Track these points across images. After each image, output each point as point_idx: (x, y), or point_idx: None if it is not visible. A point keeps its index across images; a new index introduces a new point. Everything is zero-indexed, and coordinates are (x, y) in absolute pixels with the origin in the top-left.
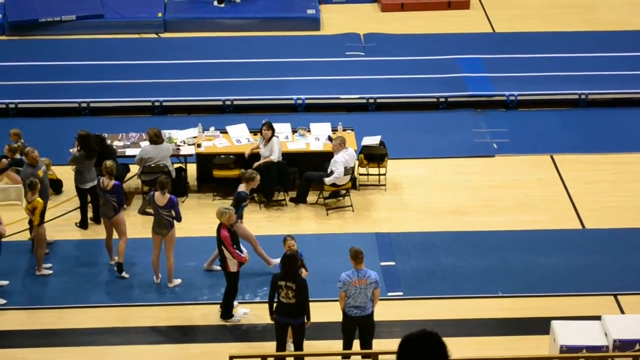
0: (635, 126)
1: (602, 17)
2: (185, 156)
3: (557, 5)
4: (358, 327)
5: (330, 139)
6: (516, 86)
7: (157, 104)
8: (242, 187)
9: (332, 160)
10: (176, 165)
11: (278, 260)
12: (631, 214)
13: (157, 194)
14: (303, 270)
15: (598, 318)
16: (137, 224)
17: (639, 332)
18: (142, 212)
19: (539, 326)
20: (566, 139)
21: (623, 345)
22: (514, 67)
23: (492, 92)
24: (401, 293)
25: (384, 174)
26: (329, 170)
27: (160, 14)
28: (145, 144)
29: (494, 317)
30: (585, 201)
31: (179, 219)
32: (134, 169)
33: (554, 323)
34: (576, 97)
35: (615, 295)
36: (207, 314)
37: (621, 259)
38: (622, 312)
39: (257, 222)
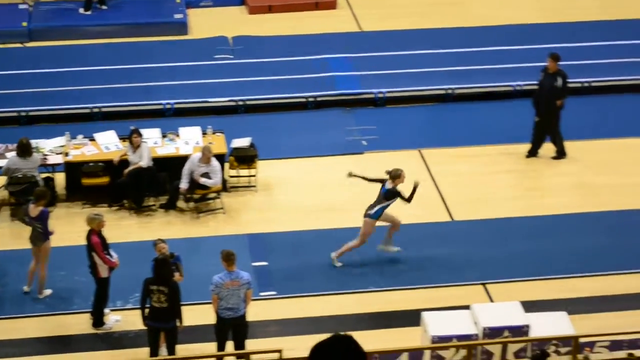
0: (500, 119)
1: (471, 12)
2: (53, 165)
3: (426, 2)
4: (231, 328)
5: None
6: (384, 83)
7: (23, 114)
8: (390, 184)
9: (210, 167)
10: (44, 175)
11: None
12: (498, 205)
13: (32, 205)
14: (177, 275)
15: (468, 307)
16: (5, 235)
17: (507, 320)
18: (22, 220)
19: (410, 318)
20: (434, 134)
21: (492, 332)
22: (381, 65)
23: (361, 90)
24: (274, 292)
25: (255, 175)
26: (199, 175)
27: (24, 23)
28: (11, 154)
29: (366, 311)
30: (453, 194)
31: (45, 232)
32: (1, 180)
33: (424, 314)
34: (443, 92)
35: (483, 285)
36: (79, 323)
37: (489, 248)
38: (491, 300)
39: (128, 228)
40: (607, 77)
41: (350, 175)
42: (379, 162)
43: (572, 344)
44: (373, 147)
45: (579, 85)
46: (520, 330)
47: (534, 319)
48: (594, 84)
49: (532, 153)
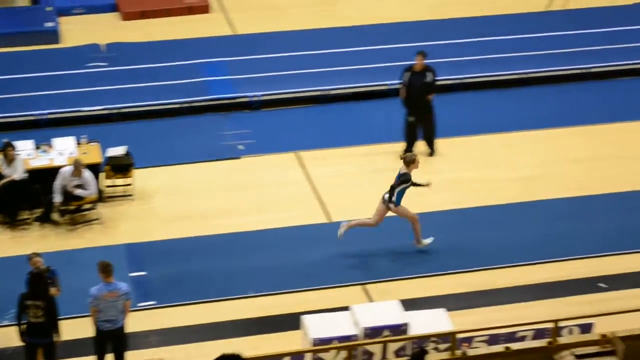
0: (375, 118)
1: (341, 13)
2: None
3: (298, 4)
4: (111, 340)
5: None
6: (259, 86)
7: None
8: (404, 170)
9: (83, 180)
10: None
11: (429, 241)
12: (376, 203)
13: None
14: (54, 289)
15: (347, 308)
16: None
17: (387, 319)
18: None
19: (291, 322)
20: (310, 135)
21: (372, 332)
22: (256, 68)
23: (236, 94)
24: (154, 302)
25: (131, 184)
26: (72, 187)
27: None
28: None
29: (247, 317)
30: (331, 195)
31: None
32: None
33: (304, 317)
34: (318, 93)
35: (363, 285)
36: None
37: (367, 248)
38: (371, 300)
39: (2, 243)
40: (477, 73)
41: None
42: (256, 166)
43: (450, 340)
44: (250, 152)
45: (450, 82)
46: (399, 329)
47: (414, 317)
48: (465, 81)
49: (407, 151)
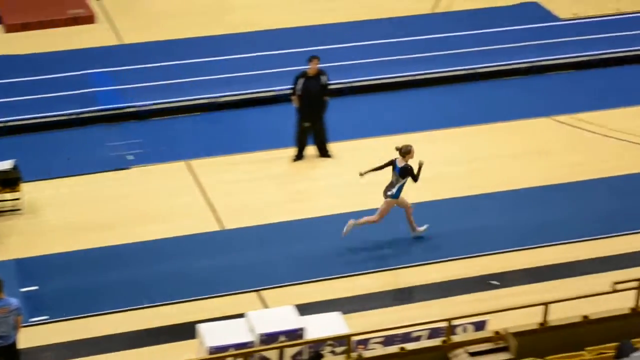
0: (264, 124)
1: (228, 19)
2: None
3: (185, 12)
4: (2, 356)
5: None
6: (147, 96)
7: None
8: (401, 162)
9: None
10: None
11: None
12: (268, 210)
13: None
14: None
15: (243, 315)
16: None
17: (283, 324)
18: None
19: (186, 331)
20: (200, 144)
21: (269, 338)
22: (144, 77)
23: (124, 104)
24: (46, 317)
25: (19, 198)
26: None
27: None
28: None
29: (141, 328)
30: (223, 202)
31: None
32: None
33: (199, 326)
34: (207, 101)
35: (258, 291)
36: None
37: (261, 254)
38: (266, 306)
39: None
40: (364, 77)
41: (362, 174)
42: (146, 176)
43: (346, 342)
44: (140, 162)
45: (340, 86)
46: (295, 334)
47: (309, 322)
48: (353, 85)
49: (299, 156)
